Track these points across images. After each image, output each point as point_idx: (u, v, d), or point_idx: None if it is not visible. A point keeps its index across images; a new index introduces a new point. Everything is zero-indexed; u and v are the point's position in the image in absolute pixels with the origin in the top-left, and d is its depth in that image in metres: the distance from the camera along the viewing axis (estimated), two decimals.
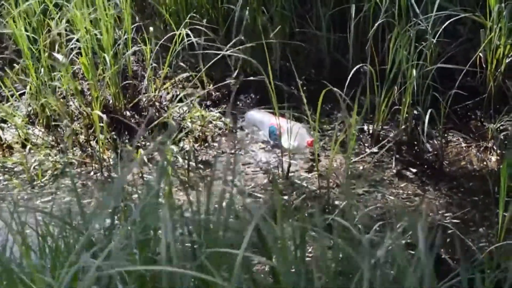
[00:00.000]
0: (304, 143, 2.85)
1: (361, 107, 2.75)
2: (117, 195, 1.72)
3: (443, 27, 2.97)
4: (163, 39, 3.24)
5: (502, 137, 2.89)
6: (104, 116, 2.87)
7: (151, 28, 3.29)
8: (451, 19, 3.00)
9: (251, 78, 3.15)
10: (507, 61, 3.04)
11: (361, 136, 3.00)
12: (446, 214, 2.59)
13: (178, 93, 3.21)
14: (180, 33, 3.17)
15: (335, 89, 2.64)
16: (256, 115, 3.08)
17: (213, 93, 3.34)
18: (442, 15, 2.97)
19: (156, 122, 3.01)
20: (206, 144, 3.01)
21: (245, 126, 3.10)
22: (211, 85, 3.35)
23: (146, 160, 2.82)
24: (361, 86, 2.86)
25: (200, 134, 3.04)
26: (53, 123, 3.09)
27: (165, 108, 3.19)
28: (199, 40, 3.21)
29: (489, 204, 2.58)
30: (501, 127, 2.94)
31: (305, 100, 2.79)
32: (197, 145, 3.00)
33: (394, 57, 2.91)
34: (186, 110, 3.16)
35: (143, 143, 2.98)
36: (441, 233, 2.38)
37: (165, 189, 1.81)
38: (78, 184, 2.77)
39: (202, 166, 2.87)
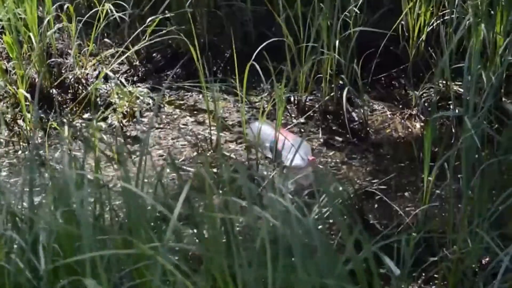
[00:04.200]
0: (305, 161, 2.64)
1: (288, 79, 2.78)
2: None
3: None
4: (86, 16, 3.22)
5: (425, 104, 2.95)
6: (28, 96, 2.85)
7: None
8: None
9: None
10: (428, 29, 3.10)
11: (288, 107, 3.03)
12: (374, 181, 2.64)
13: (104, 70, 3.19)
14: (103, 9, 3.16)
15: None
16: (261, 126, 2.75)
17: (140, 69, 3.34)
18: None
19: (79, 98, 3.01)
20: (134, 119, 3.01)
21: (250, 136, 2.80)
22: (138, 61, 3.35)
23: (74, 137, 2.81)
24: (287, 57, 2.91)
25: (128, 110, 3.04)
26: None
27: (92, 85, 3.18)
28: (124, 15, 3.21)
29: (415, 169, 2.64)
30: (425, 94, 3.00)
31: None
32: (125, 121, 3.00)
33: (318, 27, 2.94)
34: (113, 86, 3.15)
35: (70, 120, 2.97)
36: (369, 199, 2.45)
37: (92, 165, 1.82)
38: (5, 163, 2.75)
39: (130, 142, 2.88)
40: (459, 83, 2.91)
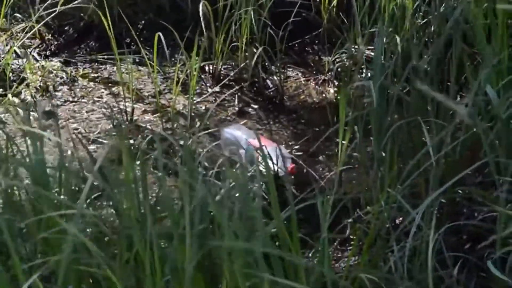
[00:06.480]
0: (284, 169, 2.44)
1: (200, 48, 2.78)
2: None
3: None
4: None
5: (338, 69, 2.99)
6: None
7: None
8: None
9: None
10: None
11: (203, 76, 3.04)
12: (290, 146, 2.66)
13: (15, 45, 3.14)
14: None
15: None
16: (234, 132, 2.62)
17: (52, 43, 3.30)
18: None
19: None
20: (48, 94, 2.98)
21: (222, 144, 2.59)
22: (50, 35, 3.31)
23: None
24: (199, 27, 2.90)
25: (41, 84, 3.00)
26: None
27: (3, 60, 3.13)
28: None
29: (329, 133, 2.67)
30: (337, 60, 3.03)
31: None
32: (38, 95, 2.96)
33: None
34: (25, 61, 3.11)
35: None
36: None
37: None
38: None
39: (44, 116, 2.84)
40: (372, 47, 2.95)
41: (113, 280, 1.50)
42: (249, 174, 1.68)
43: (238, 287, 1.51)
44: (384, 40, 2.50)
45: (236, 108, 2.88)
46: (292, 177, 2.47)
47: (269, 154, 2.40)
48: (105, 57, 3.16)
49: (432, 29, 2.64)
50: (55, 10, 3.06)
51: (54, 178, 1.74)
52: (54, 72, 3.09)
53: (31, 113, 2.77)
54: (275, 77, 3.01)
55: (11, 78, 3.03)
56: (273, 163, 2.38)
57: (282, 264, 1.56)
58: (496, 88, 2.02)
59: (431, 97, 2.12)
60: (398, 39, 2.41)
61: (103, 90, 3.01)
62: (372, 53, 2.92)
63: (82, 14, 3.32)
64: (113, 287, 1.52)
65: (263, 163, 2.39)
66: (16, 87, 2.95)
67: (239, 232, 1.51)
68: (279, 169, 2.42)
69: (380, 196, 2.00)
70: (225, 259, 1.50)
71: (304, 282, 1.57)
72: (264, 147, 2.46)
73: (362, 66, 2.82)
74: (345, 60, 2.96)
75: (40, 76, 3.03)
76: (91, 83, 3.06)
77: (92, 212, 1.64)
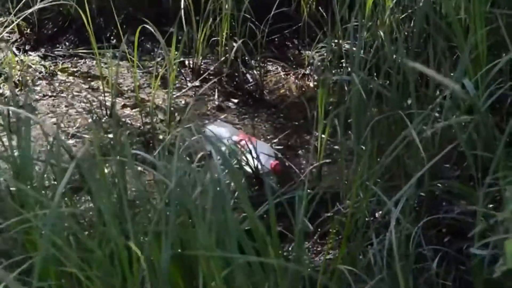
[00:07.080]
0: (267, 166, 2.43)
1: (179, 42, 2.77)
2: None
3: None
4: None
5: (318, 63, 2.98)
6: None
7: None
8: None
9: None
10: None
11: (182, 70, 3.03)
12: (269, 140, 2.66)
13: None
14: None
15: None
16: (217, 129, 2.56)
17: (31, 37, 3.28)
18: None
19: None
20: (27, 88, 2.96)
21: (204, 140, 2.41)
22: (29, 29, 3.30)
23: None
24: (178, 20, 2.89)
25: (20, 79, 2.98)
26: None
27: None
28: None
29: (309, 128, 2.67)
30: (317, 54, 3.03)
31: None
32: (17, 90, 2.94)
33: None
34: (3, 56, 3.09)
35: None
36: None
37: None
38: None
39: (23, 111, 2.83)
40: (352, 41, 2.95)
41: (89, 275, 1.50)
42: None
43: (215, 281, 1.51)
44: (364, 34, 2.50)
45: (216, 103, 2.87)
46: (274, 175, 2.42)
47: (250, 150, 2.41)
48: (84, 51, 3.14)
49: (412, 23, 2.65)
50: (35, 5, 3.05)
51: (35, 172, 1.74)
52: (33, 66, 3.08)
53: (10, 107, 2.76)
54: (255, 71, 3.01)
55: None
56: (253, 159, 2.38)
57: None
58: (474, 81, 2.03)
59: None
60: (381, 33, 2.41)
61: (82, 84, 3.00)
62: (353, 48, 2.92)
63: (61, 9, 3.30)
64: (90, 283, 1.51)
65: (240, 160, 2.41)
66: None
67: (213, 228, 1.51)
68: (260, 166, 2.42)
69: (359, 189, 1.99)
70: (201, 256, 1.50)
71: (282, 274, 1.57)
72: (246, 144, 2.50)
73: (342, 61, 2.83)
74: (325, 54, 2.95)
75: (19, 70, 3.01)
76: (70, 78, 3.05)
77: (67, 210, 1.63)
